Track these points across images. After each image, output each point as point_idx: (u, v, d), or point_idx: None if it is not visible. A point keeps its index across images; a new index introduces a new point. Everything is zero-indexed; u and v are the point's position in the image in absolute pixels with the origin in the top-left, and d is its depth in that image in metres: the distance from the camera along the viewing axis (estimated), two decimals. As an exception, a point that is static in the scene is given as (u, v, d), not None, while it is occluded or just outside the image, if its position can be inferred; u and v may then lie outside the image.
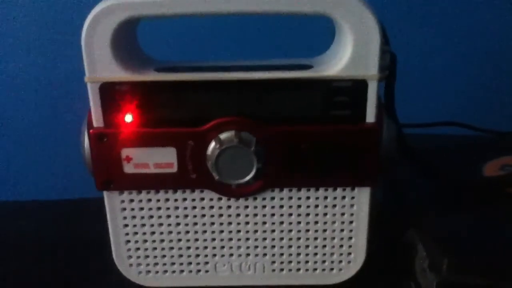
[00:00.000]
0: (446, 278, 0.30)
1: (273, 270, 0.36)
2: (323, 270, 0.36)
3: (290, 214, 0.34)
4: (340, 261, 0.36)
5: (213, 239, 0.35)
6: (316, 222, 0.34)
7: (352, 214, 0.34)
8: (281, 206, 0.34)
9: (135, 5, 0.29)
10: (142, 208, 0.34)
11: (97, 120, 0.31)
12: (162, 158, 0.32)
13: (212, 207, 0.34)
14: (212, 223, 0.35)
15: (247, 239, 0.35)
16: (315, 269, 0.36)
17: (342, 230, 0.35)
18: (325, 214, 0.34)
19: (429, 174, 0.41)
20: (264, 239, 0.35)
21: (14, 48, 0.68)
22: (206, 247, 0.35)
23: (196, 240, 0.35)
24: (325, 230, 0.35)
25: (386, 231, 0.38)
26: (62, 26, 0.66)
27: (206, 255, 0.36)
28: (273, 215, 0.34)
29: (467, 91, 0.69)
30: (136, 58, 0.33)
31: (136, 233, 0.35)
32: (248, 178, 0.32)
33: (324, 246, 0.35)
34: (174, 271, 0.36)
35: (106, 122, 0.32)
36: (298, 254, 0.36)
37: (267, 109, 0.32)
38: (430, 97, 0.68)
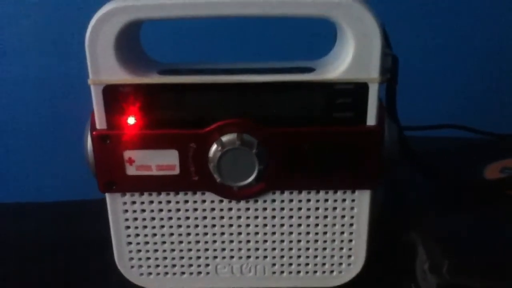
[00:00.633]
0: (446, 280, 0.30)
1: (274, 273, 0.36)
2: (324, 272, 0.36)
3: (291, 217, 0.34)
4: (340, 264, 0.36)
5: (214, 241, 0.35)
6: (317, 225, 0.35)
7: (352, 217, 0.34)
8: (282, 209, 0.34)
9: (139, 8, 0.29)
10: (144, 210, 0.34)
11: (100, 122, 0.32)
12: (164, 160, 0.32)
13: (213, 209, 0.34)
14: (213, 225, 0.35)
15: (248, 241, 0.35)
16: (316, 272, 0.36)
17: (342, 233, 0.35)
18: (326, 217, 0.34)
19: (430, 175, 0.41)
20: (265, 241, 0.35)
21: (17, 50, 0.68)
22: (207, 249, 0.35)
23: (197, 242, 0.35)
24: (325, 233, 0.35)
25: (386, 232, 0.38)
26: (65, 28, 0.66)
27: (207, 257, 0.36)
28: (274, 217, 0.34)
29: (467, 94, 0.69)
30: (139, 61, 0.33)
31: (137, 234, 0.35)
32: (249, 180, 0.32)
33: (325, 248, 0.35)
34: (175, 273, 0.36)
35: (109, 124, 0.32)
36: (299, 257, 0.36)
37: (269, 112, 0.32)
38: (430, 99, 0.68)
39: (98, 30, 0.29)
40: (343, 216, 0.34)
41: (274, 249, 0.35)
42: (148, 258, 0.36)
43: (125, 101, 0.31)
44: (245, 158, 0.31)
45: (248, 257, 0.36)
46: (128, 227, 0.35)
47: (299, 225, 0.35)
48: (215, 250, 0.35)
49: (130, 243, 0.35)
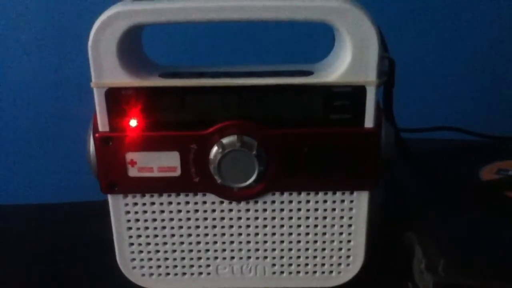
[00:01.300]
0: (442, 279, 0.30)
1: (274, 273, 0.36)
2: (323, 272, 0.36)
3: (290, 218, 0.35)
4: (339, 264, 0.36)
5: (215, 242, 0.35)
6: (316, 225, 0.35)
7: (350, 218, 0.35)
8: (282, 210, 0.35)
9: (141, 12, 0.30)
10: (145, 211, 0.34)
11: (102, 124, 0.32)
12: (166, 162, 0.33)
13: (214, 210, 0.35)
14: (214, 226, 0.35)
15: (248, 242, 0.35)
16: (315, 272, 0.36)
17: (341, 233, 0.35)
18: (325, 218, 0.35)
19: (429, 175, 0.42)
20: (265, 242, 0.35)
21: (19, 52, 0.68)
22: (208, 250, 0.36)
23: (198, 242, 0.35)
24: (324, 233, 0.35)
25: (384, 232, 0.39)
26: (67, 29, 0.66)
27: (208, 258, 0.36)
28: (273, 218, 0.35)
29: (463, 96, 0.69)
30: (141, 64, 0.33)
31: (139, 236, 0.35)
32: (249, 181, 0.32)
33: (324, 249, 0.36)
34: (176, 274, 0.36)
35: (111, 126, 0.32)
36: (298, 257, 0.36)
37: (269, 114, 0.32)
38: (427, 102, 0.68)
39: (101, 33, 0.30)
40: (341, 217, 0.35)
41: (274, 249, 0.36)
42: (150, 259, 0.36)
43: (127, 104, 0.31)
44: (245, 159, 0.32)
45: (248, 257, 0.36)
46: (130, 228, 0.35)
47: (299, 225, 0.35)
48: (215, 250, 0.36)
49: (132, 244, 0.35)
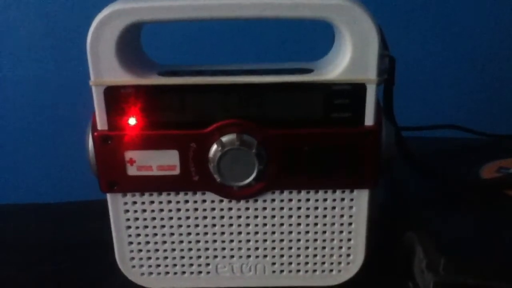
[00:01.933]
0: (443, 278, 0.30)
1: (274, 272, 0.36)
2: (323, 271, 0.36)
3: (290, 216, 0.35)
4: (339, 263, 0.36)
5: (215, 241, 0.35)
6: (316, 224, 0.35)
7: (351, 216, 0.35)
8: (281, 208, 0.34)
9: (140, 11, 0.30)
10: (144, 210, 0.34)
11: (101, 122, 0.32)
12: (165, 161, 0.33)
13: (213, 209, 0.34)
14: (214, 225, 0.35)
15: (248, 240, 0.35)
16: (315, 271, 0.36)
17: (341, 232, 0.35)
18: (325, 216, 0.35)
19: (428, 175, 0.42)
20: (265, 240, 0.35)
21: (18, 51, 0.68)
22: (207, 249, 0.36)
23: (198, 241, 0.35)
24: (324, 232, 0.35)
25: (385, 232, 0.38)
26: (66, 28, 0.66)
27: (207, 257, 0.36)
28: (273, 217, 0.35)
29: (464, 95, 0.69)
30: (139, 62, 0.33)
31: (138, 234, 0.35)
32: (249, 180, 0.32)
33: (324, 247, 0.35)
34: (176, 273, 0.36)
35: (110, 124, 0.32)
36: (298, 256, 0.36)
37: (268, 112, 0.32)
38: (427, 100, 0.68)
39: (100, 32, 0.30)
40: (342, 216, 0.35)
41: (274, 248, 0.36)
42: (149, 258, 0.36)
43: (126, 102, 0.31)
44: (244, 158, 0.32)
45: (248, 256, 0.36)
46: (129, 227, 0.35)
47: (299, 224, 0.35)
48: (215, 249, 0.36)
49: (131, 243, 0.35)
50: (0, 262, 0.42)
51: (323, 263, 0.36)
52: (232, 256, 0.36)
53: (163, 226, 0.35)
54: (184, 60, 0.35)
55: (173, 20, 0.30)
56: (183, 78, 0.32)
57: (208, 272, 0.36)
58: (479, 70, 0.69)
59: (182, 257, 0.36)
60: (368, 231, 0.35)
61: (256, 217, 0.35)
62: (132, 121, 0.32)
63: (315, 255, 0.36)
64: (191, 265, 0.36)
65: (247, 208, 0.34)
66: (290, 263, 0.36)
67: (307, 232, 0.35)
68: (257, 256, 0.36)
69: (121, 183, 0.33)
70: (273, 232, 0.35)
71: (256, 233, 0.35)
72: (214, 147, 0.32)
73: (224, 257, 0.36)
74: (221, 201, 0.34)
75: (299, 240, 0.35)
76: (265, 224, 0.35)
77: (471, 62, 0.68)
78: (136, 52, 0.34)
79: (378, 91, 0.32)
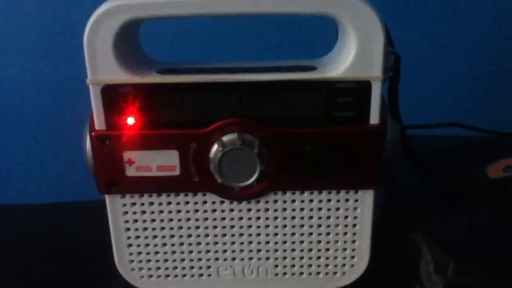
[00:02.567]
0: (452, 281, 0.30)
1: (276, 274, 0.36)
2: (326, 273, 0.36)
3: (293, 217, 0.34)
4: (344, 265, 0.36)
5: (216, 243, 0.35)
6: (319, 225, 0.34)
7: (355, 217, 0.34)
8: (284, 209, 0.34)
9: (137, 7, 0.29)
10: (144, 212, 0.34)
11: (99, 122, 0.31)
12: (165, 161, 0.32)
13: (214, 210, 0.34)
14: (215, 227, 0.34)
15: (250, 242, 0.35)
16: (319, 273, 0.36)
17: (345, 233, 0.35)
18: (328, 217, 0.34)
19: (432, 175, 0.41)
20: (267, 242, 0.35)
21: (16, 51, 0.68)
22: (208, 251, 0.35)
23: (199, 244, 0.35)
24: (328, 234, 0.35)
25: (389, 233, 0.38)
26: (64, 27, 0.66)
27: (208, 259, 0.35)
28: (276, 218, 0.34)
29: (470, 92, 0.69)
30: (138, 60, 0.33)
31: (138, 236, 0.35)
32: (251, 180, 0.32)
33: (328, 249, 0.35)
34: (176, 275, 0.36)
35: (108, 124, 0.31)
36: (301, 258, 0.35)
37: (270, 111, 0.31)
38: (433, 98, 0.68)
39: (97, 29, 0.29)
40: (346, 217, 0.34)
41: (276, 250, 0.35)
42: (149, 261, 0.35)
43: (124, 101, 0.31)
44: (246, 158, 0.31)
45: (250, 258, 0.35)
46: (128, 229, 0.34)
47: (302, 225, 0.34)
48: (216, 252, 0.35)
49: (130, 245, 0.35)
50: (0, 262, 0.42)
51: (327, 265, 0.36)
52: (234, 259, 0.35)
53: (163, 228, 0.34)
54: (183, 57, 0.34)
55: (171, 16, 0.29)
56: (182, 76, 0.31)
57: (209, 275, 0.36)
58: (485, 68, 0.68)
59: (183, 260, 0.35)
60: (372, 233, 0.34)
61: (258, 218, 0.34)
62: (130, 120, 0.31)
63: (318, 257, 0.35)
64: (192, 267, 0.36)
65: (249, 210, 0.34)
66: (293, 266, 0.36)
67: (310, 233, 0.35)
68: (259, 259, 0.35)
69: (120, 184, 0.33)
70: (276, 234, 0.35)
71: (258, 234, 0.35)
72: (215, 147, 0.31)
73: (225, 259, 0.35)
74: (222, 202, 0.34)
75: (302, 242, 0.35)
76: (267, 226, 0.34)
77: (477, 59, 0.68)
78: (135, 49, 0.33)
79: (383, 88, 0.31)
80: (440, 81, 0.68)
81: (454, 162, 0.45)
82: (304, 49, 0.61)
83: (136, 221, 0.34)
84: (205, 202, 0.34)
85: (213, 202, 0.34)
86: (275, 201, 0.34)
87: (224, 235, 0.35)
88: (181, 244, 0.35)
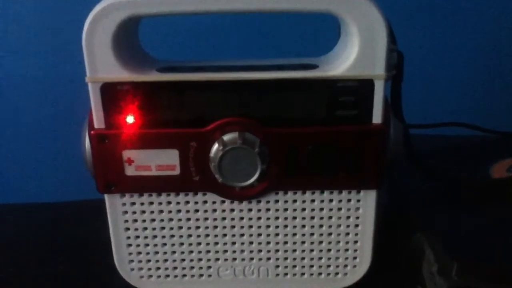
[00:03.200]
0: (456, 283, 0.30)
1: (277, 275, 0.36)
2: (328, 274, 0.35)
3: (295, 218, 0.34)
4: (346, 265, 0.35)
5: (216, 243, 0.35)
6: (321, 226, 0.34)
7: (357, 218, 0.34)
8: (285, 209, 0.34)
9: (136, 4, 0.29)
10: (143, 211, 0.34)
11: (98, 121, 0.31)
12: (164, 160, 0.32)
13: (215, 210, 0.34)
14: (215, 227, 0.34)
15: (251, 242, 0.35)
16: (320, 274, 0.35)
17: (347, 234, 0.34)
18: (330, 218, 0.34)
19: (435, 175, 0.41)
20: (268, 243, 0.35)
21: (16, 50, 0.68)
22: (209, 251, 0.35)
23: (199, 244, 0.35)
24: (330, 234, 0.34)
25: (391, 234, 0.38)
26: (63, 25, 0.65)
27: (209, 259, 0.35)
28: (277, 218, 0.34)
29: (473, 91, 0.69)
30: (137, 58, 0.32)
31: (137, 236, 0.34)
32: (252, 180, 0.31)
33: (329, 250, 0.35)
34: (176, 276, 0.36)
35: (107, 123, 0.31)
36: (303, 258, 0.35)
37: (271, 110, 0.31)
38: (436, 97, 0.68)
39: (95, 26, 0.29)
40: (348, 217, 0.34)
41: (277, 250, 0.35)
42: (149, 261, 0.35)
43: (124, 100, 0.31)
44: (247, 157, 0.31)
45: (251, 259, 0.35)
46: (127, 229, 0.34)
47: (303, 226, 0.34)
48: (217, 252, 0.35)
49: (130, 245, 0.35)
50: (0, 262, 0.42)
51: (329, 266, 0.35)
52: (234, 259, 0.35)
53: (162, 228, 0.34)
54: (183, 55, 0.34)
55: (170, 13, 0.29)
56: (182, 74, 0.31)
57: (210, 275, 0.36)
58: (488, 67, 0.68)
59: (183, 260, 0.35)
60: (375, 233, 0.34)
61: (259, 218, 0.34)
62: (130, 119, 0.31)
63: (320, 258, 0.35)
64: (192, 268, 0.35)
65: (250, 209, 0.34)
66: (295, 266, 0.35)
67: (312, 234, 0.34)
68: (260, 259, 0.35)
69: (119, 184, 0.32)
70: (277, 234, 0.34)
71: (259, 235, 0.34)
72: (215, 146, 0.31)
73: (226, 259, 0.35)
74: (223, 202, 0.33)
75: (303, 242, 0.35)
76: (268, 226, 0.34)
77: (480, 59, 0.68)
78: (134, 47, 0.33)
79: (386, 87, 0.31)
80: (443, 80, 0.68)
81: (457, 162, 0.45)
82: (305, 47, 0.61)
83: (135, 220, 0.34)
84: (205, 202, 0.33)
85: (214, 202, 0.33)
86: (276, 201, 0.33)
87: (225, 235, 0.34)
88: (181, 244, 0.35)
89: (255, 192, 0.33)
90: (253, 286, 0.36)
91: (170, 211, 0.34)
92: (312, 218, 0.34)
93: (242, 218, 0.34)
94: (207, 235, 0.34)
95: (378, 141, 0.31)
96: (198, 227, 0.34)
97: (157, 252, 0.35)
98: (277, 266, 0.35)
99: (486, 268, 0.31)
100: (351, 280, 0.36)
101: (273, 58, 0.33)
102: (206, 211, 0.34)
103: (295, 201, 0.33)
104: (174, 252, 0.35)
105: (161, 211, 0.34)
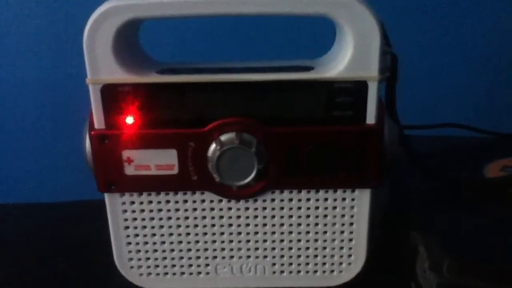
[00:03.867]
0: (447, 279, 0.30)
1: (274, 272, 0.36)
2: (324, 272, 0.36)
3: (291, 216, 0.34)
4: (341, 263, 0.36)
5: (214, 241, 0.35)
6: (317, 224, 0.34)
7: (352, 216, 0.34)
8: (282, 208, 0.34)
9: (137, 7, 0.29)
10: (143, 210, 0.34)
11: (98, 121, 0.31)
12: (163, 160, 0.32)
13: (212, 209, 0.34)
14: (213, 225, 0.35)
15: (248, 241, 0.35)
16: (316, 271, 0.36)
17: (342, 232, 0.35)
18: (326, 216, 0.34)
19: (431, 175, 0.41)
20: (265, 241, 0.35)
21: (16, 51, 0.67)
22: (207, 249, 0.35)
23: (197, 242, 0.35)
24: (325, 232, 0.35)
25: (387, 231, 0.38)
26: (64, 27, 0.66)
27: (207, 257, 0.36)
28: (273, 217, 0.34)
29: (467, 93, 0.69)
30: (137, 60, 0.33)
31: (137, 235, 0.35)
32: (249, 179, 0.32)
33: (325, 248, 0.35)
34: (175, 273, 0.36)
35: (107, 123, 0.32)
36: (299, 256, 0.35)
37: (268, 110, 0.32)
38: (430, 98, 0.68)
39: (96, 29, 0.29)
40: (343, 215, 0.34)
41: (274, 248, 0.35)
42: (148, 259, 0.35)
43: (124, 101, 0.31)
44: (244, 157, 0.31)
45: (248, 257, 0.35)
46: (127, 227, 0.35)
47: (299, 224, 0.34)
48: (214, 250, 0.35)
49: (129, 243, 0.35)
50: (0, 262, 0.42)
51: (324, 263, 0.36)
52: (232, 257, 0.36)
53: (161, 227, 0.35)
54: (182, 57, 0.35)
55: (170, 17, 0.30)
56: (181, 76, 0.31)
57: (208, 273, 0.36)
58: (483, 68, 0.68)
59: (181, 258, 0.36)
60: (369, 232, 0.35)
61: (256, 217, 0.34)
62: (129, 119, 0.31)
63: (315, 256, 0.35)
64: (190, 265, 0.36)
65: (247, 208, 0.34)
66: (291, 264, 0.36)
67: (308, 232, 0.35)
68: (257, 257, 0.35)
69: (119, 183, 0.33)
70: (273, 232, 0.35)
71: (256, 233, 0.35)
72: (213, 146, 0.31)
73: (223, 257, 0.36)
74: (220, 201, 0.34)
75: (299, 240, 0.35)
76: (265, 224, 0.35)
77: (475, 60, 0.67)
78: (134, 49, 0.34)
79: (381, 89, 0.31)
80: (438, 81, 0.68)
81: (452, 162, 0.45)
82: (302, 49, 0.61)
83: (135, 219, 0.34)
84: (203, 201, 0.34)
85: (211, 201, 0.34)
86: (273, 200, 0.34)
87: (222, 233, 0.35)
88: (180, 242, 0.35)
89: (252, 191, 0.33)
90: (250, 283, 0.36)
91: (168, 210, 0.34)
92: (308, 216, 0.34)
93: (239, 217, 0.34)
94: (205, 234, 0.35)
95: (373, 141, 0.32)
96: (196, 226, 0.34)
97: (156, 250, 0.35)
98: (274, 264, 0.36)
99: (478, 265, 0.31)
100: (346, 277, 0.36)
101: (269, 60, 0.34)
102: (204, 210, 0.34)
103: (291, 200, 0.34)
104: (172, 250, 0.35)
105: (160, 210, 0.34)
